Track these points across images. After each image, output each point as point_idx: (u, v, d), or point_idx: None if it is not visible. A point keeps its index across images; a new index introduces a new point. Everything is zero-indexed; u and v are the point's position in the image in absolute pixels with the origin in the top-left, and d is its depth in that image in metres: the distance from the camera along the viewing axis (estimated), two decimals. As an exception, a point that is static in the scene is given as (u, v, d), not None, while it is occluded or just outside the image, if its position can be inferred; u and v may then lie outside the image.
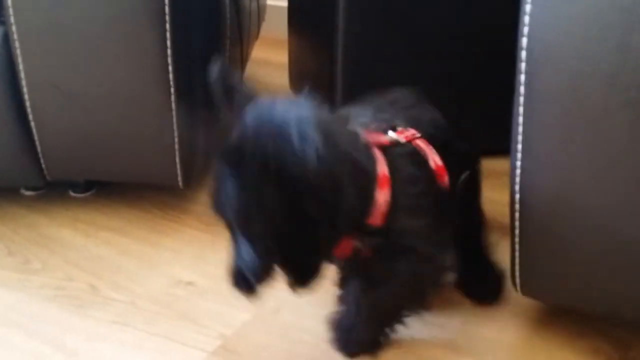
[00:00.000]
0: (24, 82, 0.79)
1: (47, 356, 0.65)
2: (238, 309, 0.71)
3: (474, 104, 1.02)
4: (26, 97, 0.80)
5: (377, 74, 1.04)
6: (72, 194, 0.95)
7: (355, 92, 1.04)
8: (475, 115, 1.00)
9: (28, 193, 0.95)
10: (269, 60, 1.49)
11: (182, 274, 0.78)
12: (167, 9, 0.75)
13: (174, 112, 0.81)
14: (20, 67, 0.78)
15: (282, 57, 1.36)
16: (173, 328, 0.69)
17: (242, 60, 1.28)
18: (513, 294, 0.66)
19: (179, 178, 0.86)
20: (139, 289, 0.75)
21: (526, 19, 0.52)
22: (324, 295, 0.73)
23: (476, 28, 0.99)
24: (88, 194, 0.96)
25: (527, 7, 0.52)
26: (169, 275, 0.78)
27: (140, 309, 0.72)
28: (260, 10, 1.45)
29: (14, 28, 0.76)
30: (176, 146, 0.84)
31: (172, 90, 0.80)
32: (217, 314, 0.71)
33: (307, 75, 1.23)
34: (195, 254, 0.82)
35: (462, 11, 1.00)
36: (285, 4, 1.35)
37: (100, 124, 0.83)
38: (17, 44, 0.77)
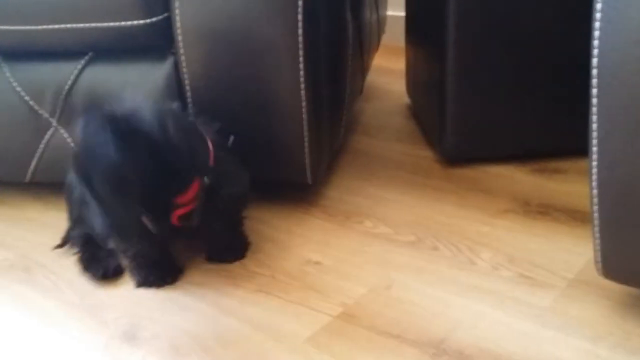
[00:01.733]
0: (189, 100, 0.99)
1: (209, 314, 0.83)
2: (356, 284, 0.86)
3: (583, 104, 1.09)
4: (190, 111, 1.00)
5: (485, 82, 1.14)
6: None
7: (464, 99, 1.16)
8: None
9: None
10: (389, 67, 1.63)
11: (311, 255, 0.94)
12: (301, 39, 0.91)
13: (304, 118, 0.97)
14: (187, 87, 0.98)
15: (401, 64, 1.49)
16: (304, 297, 0.85)
17: (363, 70, 1.43)
18: (597, 277, 0.74)
19: (308, 175, 1.03)
20: (277, 266, 0.92)
21: (595, 42, 0.62)
22: (430, 277, 0.86)
23: (578, 36, 1.06)
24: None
25: (596, 33, 0.61)
26: (300, 256, 0.94)
27: (278, 281, 0.89)
28: (380, 22, 1.58)
29: (183, 57, 0.96)
30: (306, 147, 1.00)
31: (303, 98, 0.96)
32: (339, 288, 0.86)
33: (421, 82, 1.34)
34: (322, 240, 0.98)
35: (567, 20, 1.08)
36: (404, 13, 1.48)
37: (243, 130, 1.01)
38: (185, 70, 0.97)
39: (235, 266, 0.93)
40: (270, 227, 1.02)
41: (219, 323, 0.81)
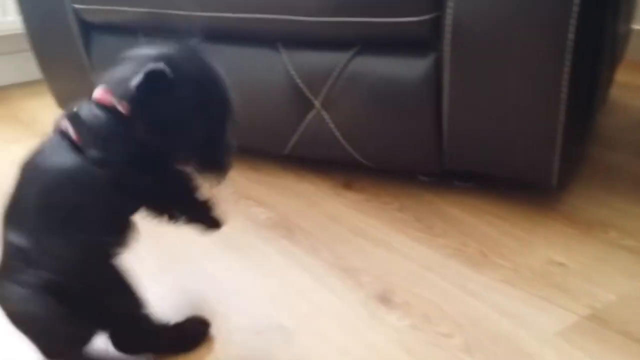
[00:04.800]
0: (446, 97, 1.05)
1: (455, 293, 0.88)
2: (605, 290, 0.86)
3: None
4: (445, 107, 1.07)
5: None
6: (456, 183, 1.21)
7: None
8: None
9: (423, 178, 1.24)
10: (632, 82, 1.56)
11: (554, 256, 0.96)
12: (570, 44, 0.93)
13: (560, 121, 0.98)
14: (446, 84, 1.04)
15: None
16: (550, 294, 0.87)
17: (609, 82, 1.39)
18: None
19: (554, 179, 1.04)
20: (519, 261, 0.95)
21: None
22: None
23: None
24: (468, 184, 1.20)
25: None
26: (542, 255, 0.96)
27: (522, 275, 0.92)
28: (627, 35, 1.52)
29: (447, 55, 1.02)
30: (556, 151, 1.01)
31: (563, 102, 0.96)
32: (586, 291, 0.87)
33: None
34: (564, 243, 0.99)
35: None
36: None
37: (496, 128, 1.05)
38: (447, 67, 1.03)
39: (476, 255, 0.97)
40: (510, 224, 1.05)
41: (465, 303, 0.86)
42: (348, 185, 1.24)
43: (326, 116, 1.19)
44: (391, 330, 0.81)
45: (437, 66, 1.06)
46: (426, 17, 1.03)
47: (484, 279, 0.91)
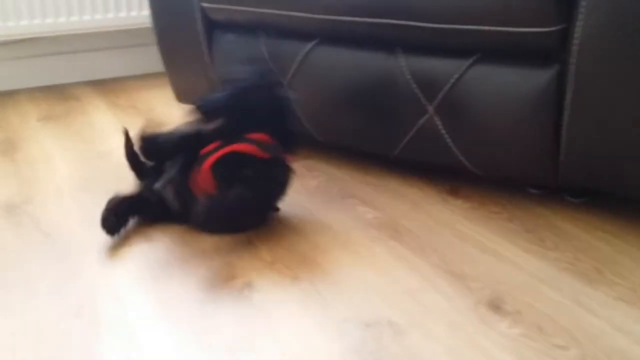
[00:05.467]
0: (567, 112, 1.04)
1: (568, 306, 0.87)
2: None
3: None
4: (565, 121, 1.05)
5: None
6: (568, 198, 1.19)
7: None
8: None
9: (533, 191, 1.23)
10: None
11: (673, 279, 0.93)
12: None
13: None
14: (569, 98, 1.03)
15: None
16: (671, 316, 0.85)
17: None
18: None
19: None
20: (636, 280, 0.92)
21: None
22: None
23: None
24: (580, 200, 1.18)
25: None
26: (661, 277, 0.94)
27: (639, 294, 0.89)
28: None
29: (573, 68, 1.01)
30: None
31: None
32: None
33: None
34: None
35: None
36: None
37: (618, 146, 1.02)
38: (572, 81, 1.02)
39: (591, 270, 0.96)
40: (626, 242, 1.03)
41: (580, 317, 0.85)
42: (454, 192, 1.25)
43: (439, 122, 1.21)
44: (502, 337, 0.82)
45: (560, 78, 1.05)
46: (555, 28, 1.02)
47: (599, 295, 0.90)
